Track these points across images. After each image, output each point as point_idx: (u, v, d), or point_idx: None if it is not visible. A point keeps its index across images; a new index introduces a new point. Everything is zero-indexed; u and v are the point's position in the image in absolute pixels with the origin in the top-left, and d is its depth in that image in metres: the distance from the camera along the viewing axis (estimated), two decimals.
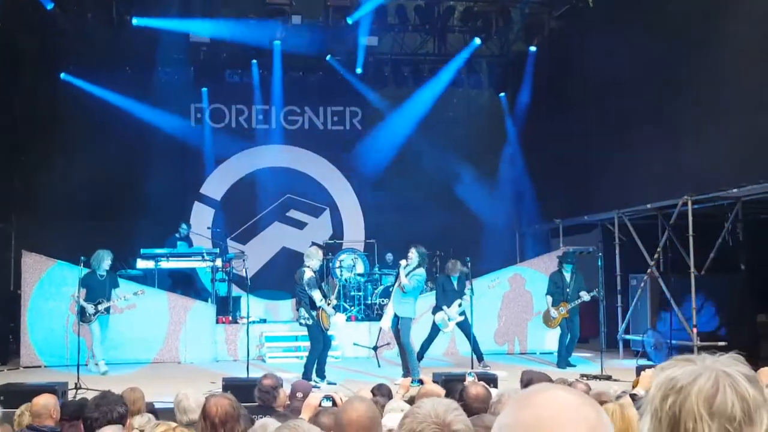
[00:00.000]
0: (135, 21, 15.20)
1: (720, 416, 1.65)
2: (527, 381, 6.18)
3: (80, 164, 16.08)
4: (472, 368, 10.61)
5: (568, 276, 12.83)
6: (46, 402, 5.66)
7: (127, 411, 5.11)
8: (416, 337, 11.75)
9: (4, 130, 15.28)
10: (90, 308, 12.00)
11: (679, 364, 1.75)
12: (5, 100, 15.37)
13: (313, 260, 11.36)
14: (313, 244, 14.04)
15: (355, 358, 13.92)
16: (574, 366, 12.63)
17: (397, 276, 11.46)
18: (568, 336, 12.82)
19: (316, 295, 11.10)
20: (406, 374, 10.80)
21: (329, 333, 11.70)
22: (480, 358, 12.43)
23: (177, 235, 15.74)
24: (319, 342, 11.30)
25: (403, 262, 11.44)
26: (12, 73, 15.52)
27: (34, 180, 15.76)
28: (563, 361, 12.70)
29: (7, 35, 14.97)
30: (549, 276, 13.26)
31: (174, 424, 4.57)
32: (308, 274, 11.18)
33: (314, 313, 11.16)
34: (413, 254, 11.28)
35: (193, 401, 5.23)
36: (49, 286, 13.21)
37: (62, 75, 16.47)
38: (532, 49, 16.73)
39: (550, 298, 12.93)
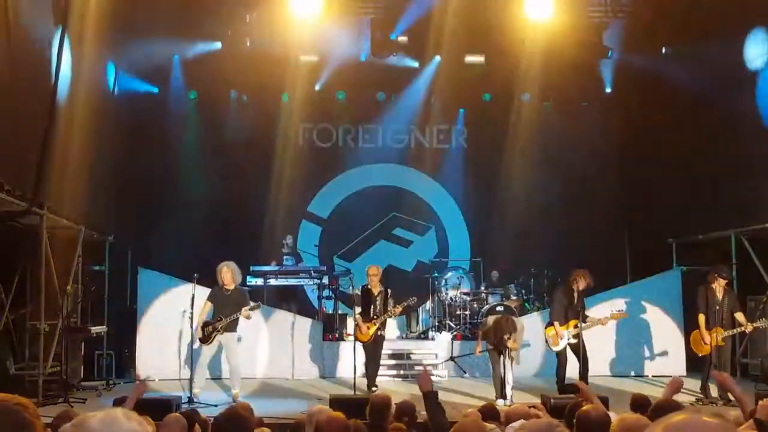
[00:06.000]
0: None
1: None
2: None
3: (194, 182, 16.69)
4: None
5: (719, 292, 11.30)
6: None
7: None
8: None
9: (122, 155, 15.82)
10: (202, 330, 11.29)
11: None
12: (118, 117, 15.67)
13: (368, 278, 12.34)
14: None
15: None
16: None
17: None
18: (710, 364, 11.22)
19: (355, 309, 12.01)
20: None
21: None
22: None
23: (283, 250, 15.97)
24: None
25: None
26: None
27: (150, 197, 16.30)
28: (708, 392, 11.31)
29: None
30: (698, 292, 11.55)
31: None
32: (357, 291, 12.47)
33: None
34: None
35: None
36: (163, 301, 13.62)
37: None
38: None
39: (702, 318, 11.26)
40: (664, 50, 16.30)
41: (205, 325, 11.34)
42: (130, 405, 6.47)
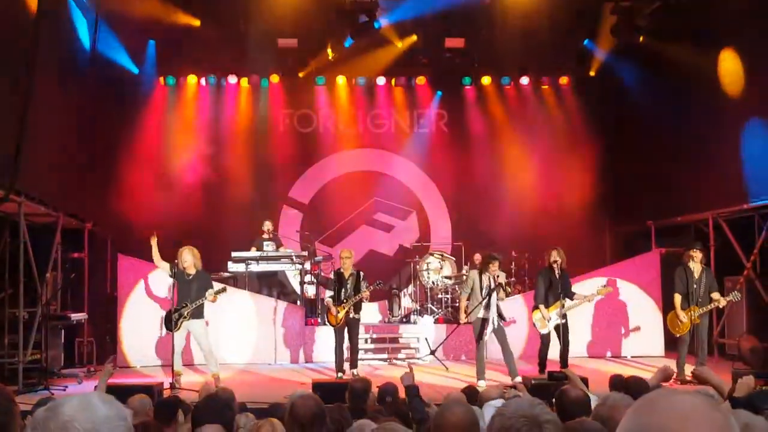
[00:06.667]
0: None
1: None
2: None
3: (172, 168, 16.63)
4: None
5: (696, 271, 11.24)
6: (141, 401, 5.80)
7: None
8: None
9: (99, 140, 15.70)
10: (168, 318, 11.00)
11: None
12: (97, 100, 15.27)
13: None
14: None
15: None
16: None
17: (493, 287, 11.17)
18: (686, 344, 11.28)
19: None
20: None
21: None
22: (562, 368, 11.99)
23: (264, 236, 15.86)
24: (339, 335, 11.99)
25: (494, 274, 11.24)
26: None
27: (128, 183, 16.17)
28: (683, 371, 11.24)
29: None
30: (675, 272, 11.47)
31: (275, 420, 4.63)
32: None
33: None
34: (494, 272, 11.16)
35: None
36: (143, 288, 13.57)
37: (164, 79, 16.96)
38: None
39: (678, 297, 11.25)
40: (642, 39, 16.33)
41: (170, 312, 10.97)
42: (102, 387, 6.48)
